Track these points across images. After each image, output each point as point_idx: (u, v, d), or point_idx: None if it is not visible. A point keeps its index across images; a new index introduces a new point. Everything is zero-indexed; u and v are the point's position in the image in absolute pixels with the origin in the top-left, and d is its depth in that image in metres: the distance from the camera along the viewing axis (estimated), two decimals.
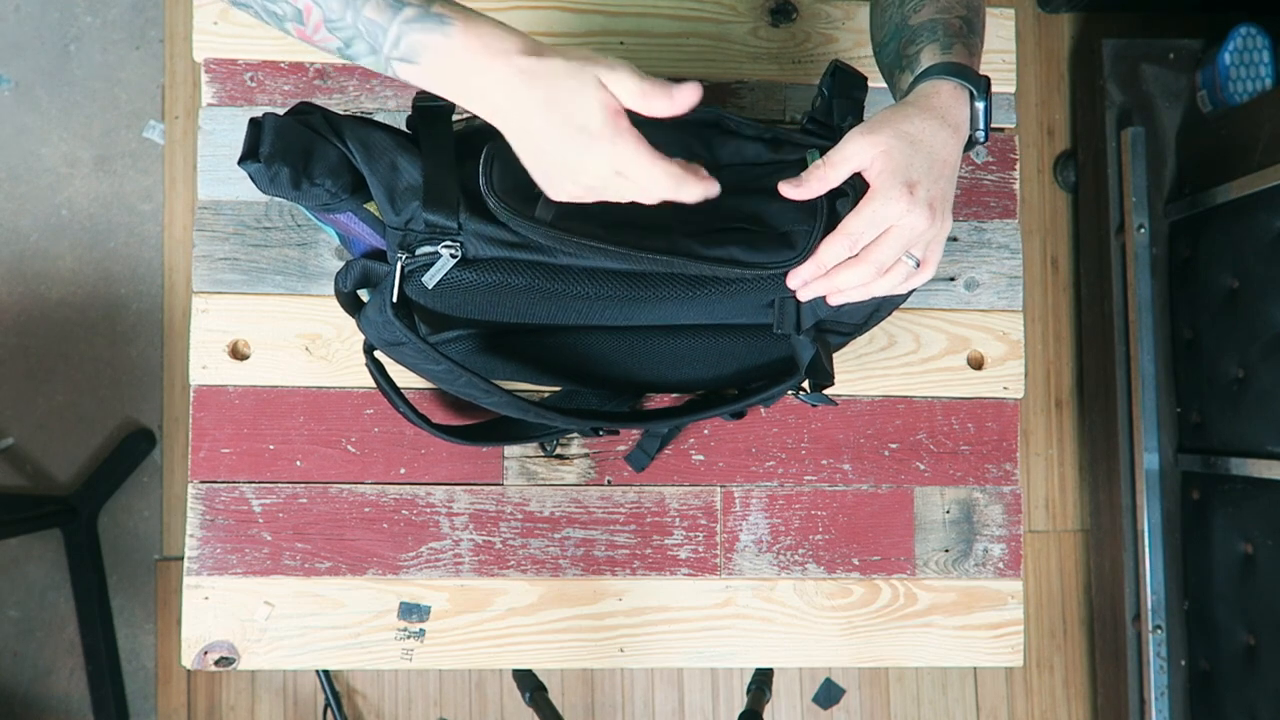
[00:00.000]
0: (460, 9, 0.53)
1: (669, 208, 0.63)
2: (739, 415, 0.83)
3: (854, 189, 0.60)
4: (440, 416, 0.82)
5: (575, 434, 0.83)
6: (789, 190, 0.62)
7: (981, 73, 0.63)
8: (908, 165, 0.58)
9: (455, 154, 0.62)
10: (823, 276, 0.62)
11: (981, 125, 0.62)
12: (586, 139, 0.52)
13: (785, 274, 0.63)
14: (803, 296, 0.64)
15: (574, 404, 0.80)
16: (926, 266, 0.62)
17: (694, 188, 0.55)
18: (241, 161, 0.58)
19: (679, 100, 0.52)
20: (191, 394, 0.80)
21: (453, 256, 0.61)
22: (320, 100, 0.82)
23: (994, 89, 0.87)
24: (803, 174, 0.62)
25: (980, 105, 0.62)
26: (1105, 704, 1.59)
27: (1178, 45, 1.53)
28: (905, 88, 0.64)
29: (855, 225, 0.59)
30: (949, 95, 0.61)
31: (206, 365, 0.80)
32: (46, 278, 1.53)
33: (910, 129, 0.59)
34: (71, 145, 1.54)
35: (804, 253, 0.62)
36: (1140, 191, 1.46)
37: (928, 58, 0.64)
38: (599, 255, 0.61)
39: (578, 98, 0.51)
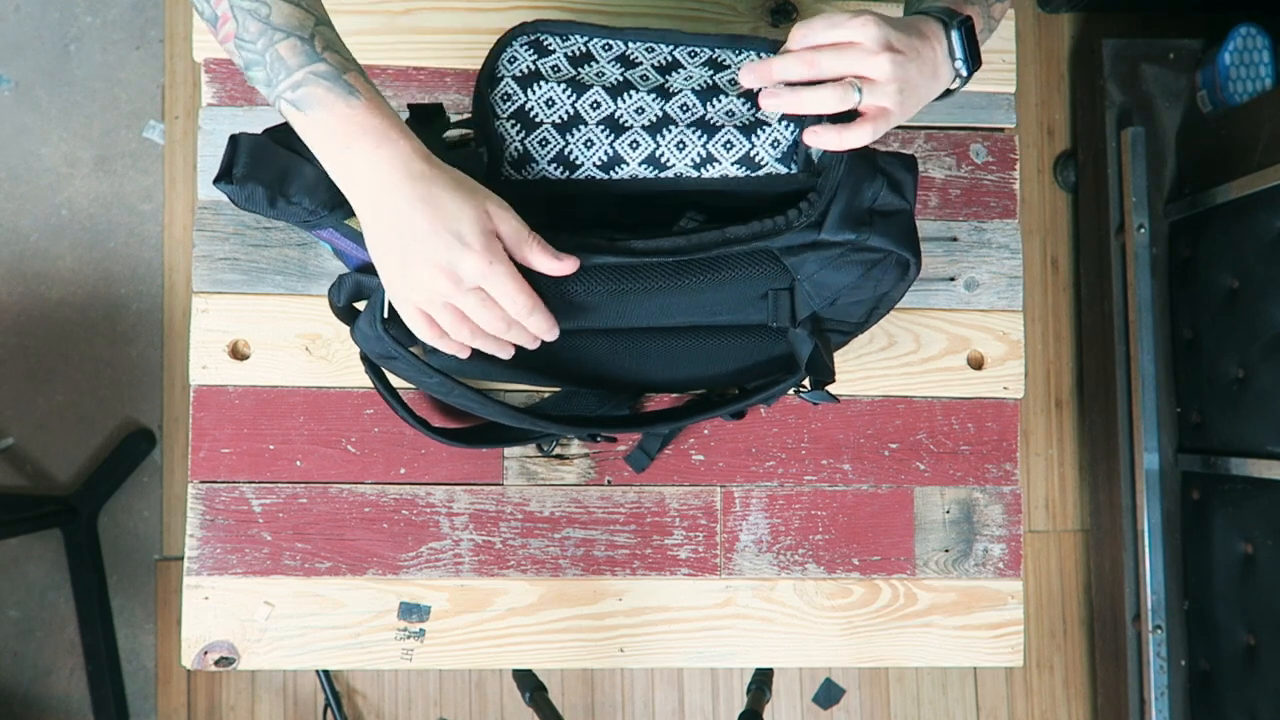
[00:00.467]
0: (374, 92, 0.55)
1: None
2: (739, 415, 0.83)
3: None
4: (439, 420, 0.82)
5: (573, 435, 0.83)
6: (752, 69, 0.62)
7: (967, 12, 0.64)
8: (889, 27, 0.58)
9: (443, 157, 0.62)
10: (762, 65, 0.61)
11: (959, 54, 0.62)
12: (462, 247, 0.54)
13: (776, 248, 0.64)
14: (743, 80, 0.63)
15: (572, 406, 0.80)
16: (870, 119, 0.60)
17: (542, 321, 0.59)
18: (216, 182, 0.58)
19: (559, 265, 0.57)
20: (191, 394, 0.80)
21: None
22: None
23: (994, 89, 0.87)
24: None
25: (954, 34, 0.62)
26: (1105, 704, 1.59)
27: (1178, 45, 1.53)
28: None
29: (816, 20, 0.59)
30: (925, 23, 0.62)
31: (206, 365, 0.80)
32: (46, 278, 1.53)
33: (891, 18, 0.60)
34: (71, 145, 1.55)
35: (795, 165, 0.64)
36: (1140, 191, 1.46)
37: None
38: (592, 253, 0.61)
39: (461, 211, 0.54)
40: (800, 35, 0.60)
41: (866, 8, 0.62)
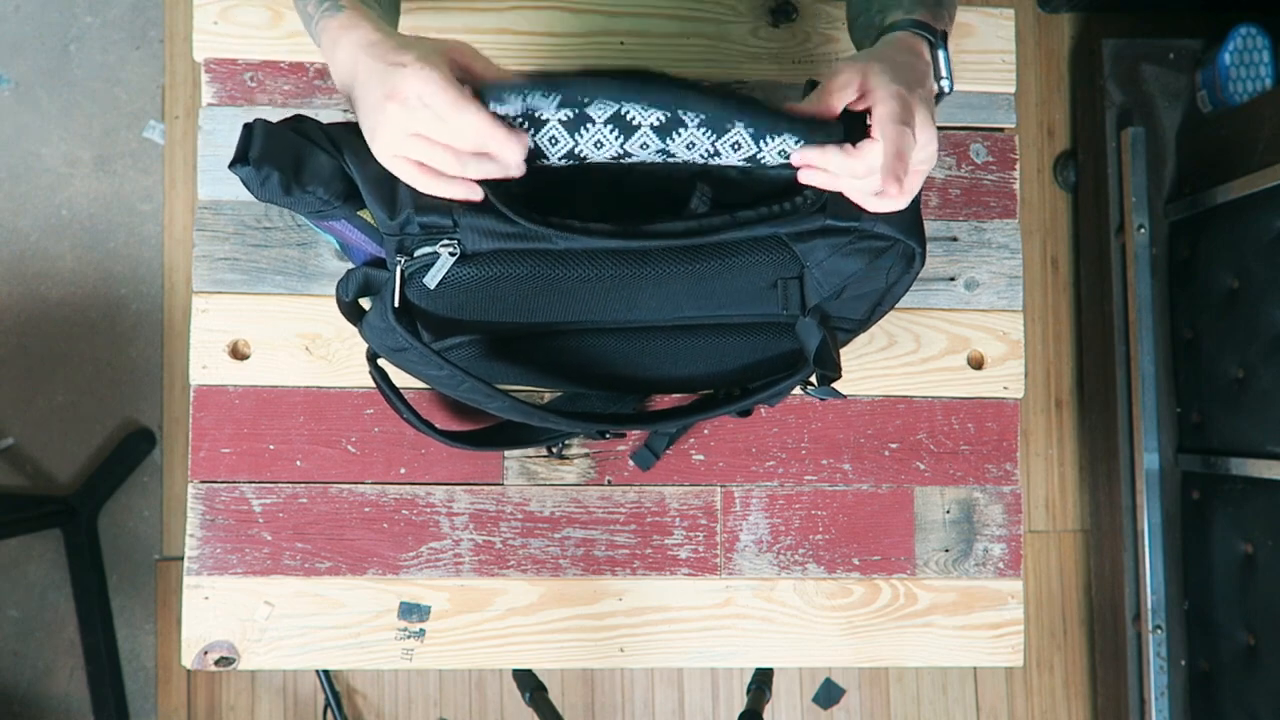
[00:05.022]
0: (359, 6, 0.61)
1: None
2: (746, 413, 0.82)
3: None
4: (444, 421, 0.82)
5: (579, 435, 0.82)
6: (808, 162, 0.61)
7: (940, 29, 0.65)
8: (898, 78, 0.59)
9: None
10: (821, 172, 0.61)
11: (945, 74, 0.64)
12: (400, 69, 0.55)
13: (785, 234, 0.64)
14: (802, 175, 0.62)
15: (578, 407, 0.80)
16: (905, 190, 0.60)
17: (504, 141, 0.57)
18: (232, 165, 0.59)
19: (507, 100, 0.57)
20: (191, 394, 0.80)
21: (451, 255, 0.61)
22: (320, 100, 0.82)
23: (994, 89, 0.87)
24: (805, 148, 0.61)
25: (940, 53, 0.64)
26: (1105, 704, 1.59)
27: (1178, 45, 1.53)
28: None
29: (890, 131, 0.58)
30: (908, 39, 0.63)
31: (206, 365, 0.80)
32: (46, 278, 1.53)
33: (881, 56, 0.61)
34: (71, 145, 1.54)
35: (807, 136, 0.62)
36: (1140, 191, 1.46)
37: (890, 20, 0.66)
38: (602, 238, 0.62)
39: (407, 47, 0.57)
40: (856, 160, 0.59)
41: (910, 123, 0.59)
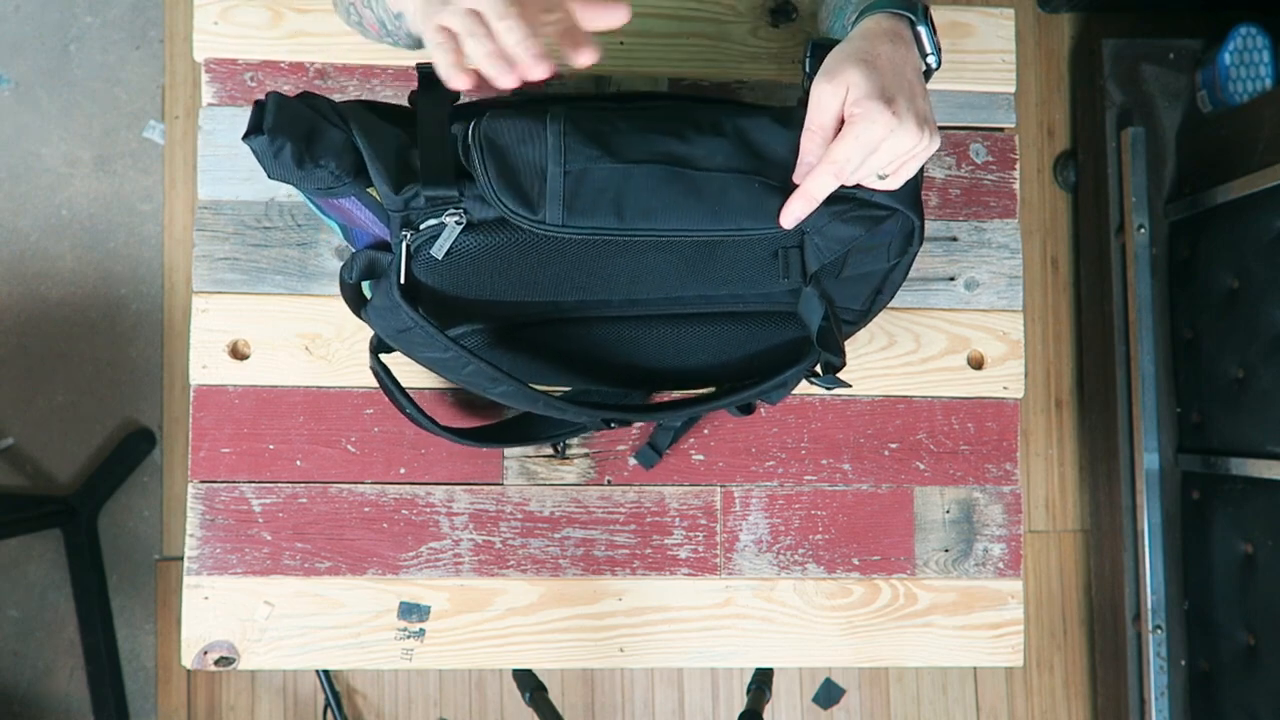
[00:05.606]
0: None
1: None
2: (748, 410, 0.82)
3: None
4: (446, 419, 0.81)
5: (584, 430, 0.82)
6: (798, 200, 0.63)
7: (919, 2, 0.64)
8: (880, 86, 0.58)
9: (456, 119, 0.64)
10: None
11: (930, 49, 0.63)
12: None
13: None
14: (788, 224, 0.64)
15: (583, 399, 0.80)
16: (895, 179, 0.62)
17: (531, 66, 0.54)
18: (246, 137, 0.60)
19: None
20: (191, 394, 0.80)
21: (458, 223, 0.62)
22: None
23: (994, 89, 0.87)
24: (798, 179, 0.63)
25: (922, 29, 0.62)
26: (1105, 704, 1.59)
27: (1178, 45, 1.53)
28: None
29: (841, 152, 0.59)
30: (888, 22, 0.61)
31: (206, 365, 0.80)
32: (46, 278, 1.53)
33: (865, 55, 0.59)
34: (71, 145, 1.54)
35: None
36: (1140, 191, 1.46)
37: (864, 2, 0.65)
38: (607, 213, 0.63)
39: None
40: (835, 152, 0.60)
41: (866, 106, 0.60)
